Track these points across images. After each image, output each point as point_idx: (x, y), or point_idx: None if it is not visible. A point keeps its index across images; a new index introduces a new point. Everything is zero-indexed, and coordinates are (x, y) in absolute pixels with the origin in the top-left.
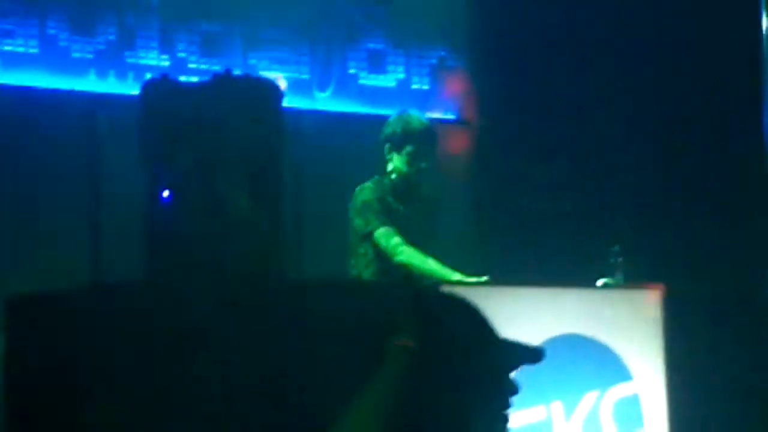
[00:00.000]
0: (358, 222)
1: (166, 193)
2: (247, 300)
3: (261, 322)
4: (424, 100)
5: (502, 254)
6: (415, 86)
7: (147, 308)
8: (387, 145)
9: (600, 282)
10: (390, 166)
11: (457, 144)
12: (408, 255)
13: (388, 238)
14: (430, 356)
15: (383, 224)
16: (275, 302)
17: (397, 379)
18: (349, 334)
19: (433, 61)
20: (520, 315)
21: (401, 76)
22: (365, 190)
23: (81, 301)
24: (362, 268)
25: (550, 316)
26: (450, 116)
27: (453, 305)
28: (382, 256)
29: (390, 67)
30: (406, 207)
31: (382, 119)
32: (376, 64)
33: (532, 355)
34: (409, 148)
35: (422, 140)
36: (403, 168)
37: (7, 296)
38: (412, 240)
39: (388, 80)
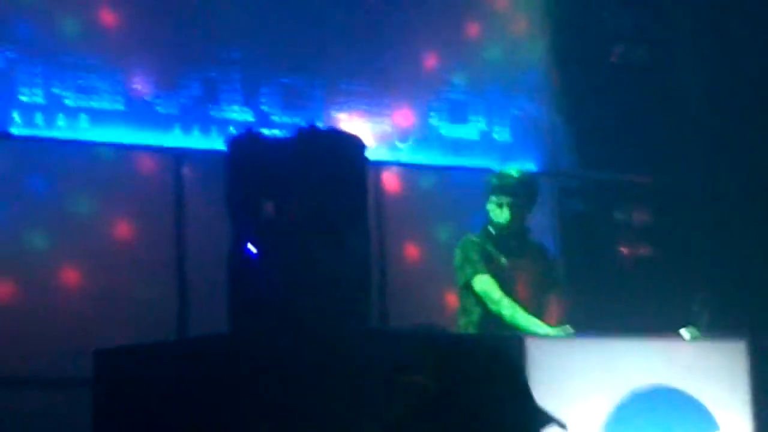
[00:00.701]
0: (459, 271)
1: (251, 247)
2: (330, 350)
3: (342, 370)
4: (505, 150)
5: (586, 303)
6: (496, 137)
7: (232, 360)
8: (488, 198)
9: (684, 331)
10: (489, 218)
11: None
12: (500, 304)
13: (484, 286)
14: (444, 398)
15: (480, 272)
16: (356, 351)
17: (405, 415)
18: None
19: (515, 111)
20: (606, 366)
21: (483, 126)
22: (466, 241)
23: (166, 354)
24: (466, 316)
25: (637, 367)
26: (531, 167)
27: (481, 354)
28: (483, 304)
29: (472, 118)
30: (509, 258)
31: (464, 170)
32: (458, 115)
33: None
34: (503, 200)
35: (515, 192)
36: (498, 219)
37: (95, 350)
38: (514, 290)
39: (469, 131)
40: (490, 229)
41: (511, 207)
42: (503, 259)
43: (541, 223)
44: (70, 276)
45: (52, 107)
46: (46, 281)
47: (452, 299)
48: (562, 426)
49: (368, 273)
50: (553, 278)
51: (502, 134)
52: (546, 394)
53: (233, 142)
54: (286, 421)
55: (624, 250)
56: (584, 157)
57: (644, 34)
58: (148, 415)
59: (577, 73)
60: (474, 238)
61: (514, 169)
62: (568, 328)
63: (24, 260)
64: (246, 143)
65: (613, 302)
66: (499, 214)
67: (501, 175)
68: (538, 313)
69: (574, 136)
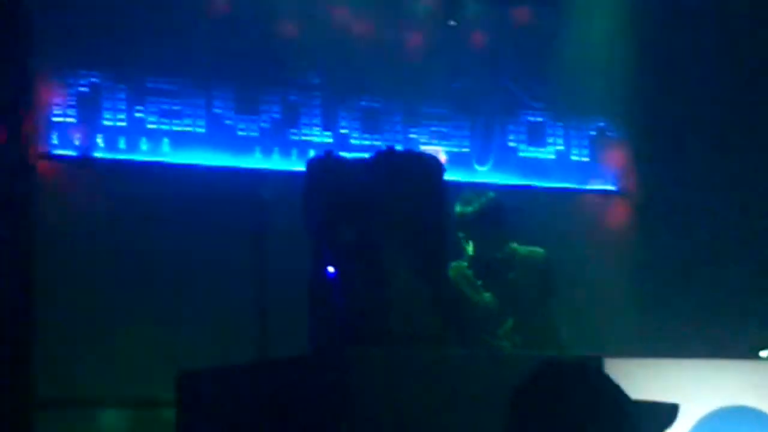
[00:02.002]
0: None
1: (330, 268)
2: (411, 372)
3: (422, 391)
4: (583, 171)
5: (663, 324)
6: (574, 158)
7: (312, 383)
8: None
9: (764, 353)
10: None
11: (617, 215)
12: None
13: None
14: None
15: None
16: (434, 371)
17: None
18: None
19: (593, 132)
20: (683, 387)
21: (561, 148)
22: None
23: (248, 376)
24: None
25: (714, 388)
26: (610, 187)
27: (580, 377)
28: None
29: (549, 140)
30: (492, 285)
31: (543, 191)
32: (536, 137)
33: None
34: (463, 234)
35: (472, 226)
36: (468, 252)
37: (179, 372)
38: (506, 313)
39: (547, 152)
40: (466, 260)
41: (475, 238)
42: (485, 293)
43: (617, 243)
44: (152, 298)
45: (135, 131)
46: (128, 304)
47: None
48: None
49: (448, 294)
50: (548, 287)
51: (580, 156)
52: None
53: (312, 165)
54: None
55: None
56: (658, 179)
57: (720, 56)
58: None
59: (653, 94)
60: (457, 270)
61: (470, 198)
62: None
63: (107, 283)
64: (325, 165)
65: (690, 324)
66: (467, 247)
67: (459, 206)
68: (542, 325)
69: (651, 157)
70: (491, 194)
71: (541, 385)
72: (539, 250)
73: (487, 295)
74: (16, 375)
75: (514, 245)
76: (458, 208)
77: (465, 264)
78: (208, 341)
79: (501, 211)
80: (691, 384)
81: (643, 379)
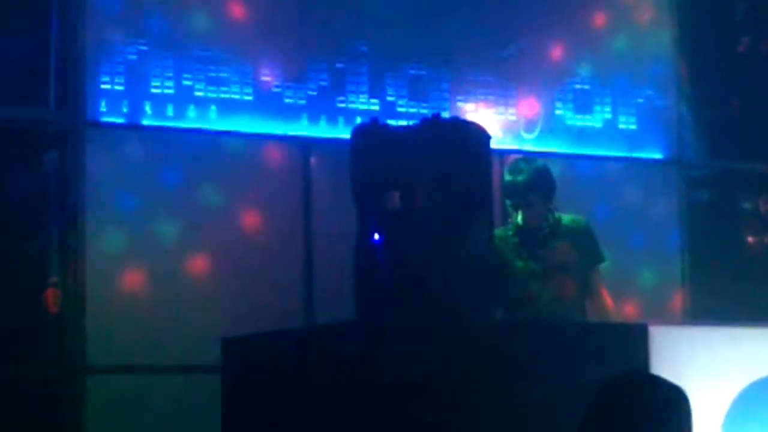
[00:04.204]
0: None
1: (376, 236)
2: (456, 340)
3: (470, 361)
4: (631, 139)
5: (712, 293)
6: (622, 126)
7: (358, 350)
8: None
9: None
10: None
11: (664, 184)
12: None
13: None
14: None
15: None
16: (480, 340)
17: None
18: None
19: (641, 100)
20: (731, 355)
21: (608, 116)
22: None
23: (293, 342)
24: None
25: (763, 356)
26: (658, 156)
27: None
28: None
29: (597, 108)
30: (540, 251)
31: (590, 159)
32: (583, 105)
33: None
34: (514, 202)
35: (523, 193)
36: (516, 220)
37: (224, 337)
38: (551, 282)
39: (595, 120)
40: (512, 227)
41: (525, 207)
42: (531, 261)
43: (664, 213)
44: (199, 265)
45: (183, 98)
46: (176, 270)
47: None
48: None
49: (492, 263)
50: (594, 254)
51: (627, 123)
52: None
53: (358, 132)
54: (415, 410)
55: (751, 239)
56: (711, 147)
57: None
58: (275, 401)
59: (704, 62)
60: (501, 237)
61: (521, 166)
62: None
63: (154, 249)
64: (371, 133)
65: (740, 292)
66: (515, 214)
67: (509, 174)
68: (583, 295)
69: (700, 126)
70: (541, 163)
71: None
72: (581, 218)
73: (531, 263)
74: (68, 341)
75: (560, 214)
76: (508, 176)
77: (510, 232)
78: (254, 308)
79: (551, 181)
80: (739, 352)
81: (691, 347)
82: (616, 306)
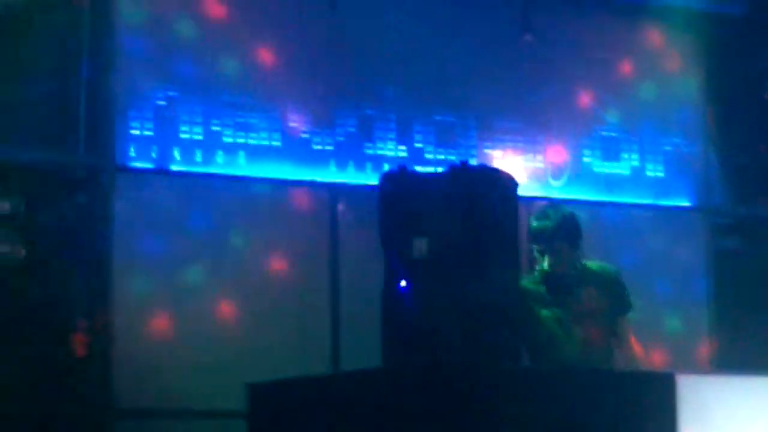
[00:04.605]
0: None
1: (403, 282)
2: (481, 386)
3: (493, 407)
4: (659, 187)
5: (741, 342)
6: (649, 173)
7: (384, 396)
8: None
9: None
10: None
11: (691, 231)
12: None
13: None
14: None
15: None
16: (506, 387)
17: None
18: None
19: (668, 147)
20: (759, 405)
21: (635, 163)
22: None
23: (320, 388)
24: None
25: None
26: (685, 203)
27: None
28: None
29: (624, 155)
30: (566, 299)
31: (617, 207)
32: (611, 152)
33: None
34: (541, 247)
35: (551, 238)
36: (542, 266)
37: (250, 383)
38: (579, 330)
39: (622, 167)
40: (538, 274)
41: (551, 253)
42: (557, 308)
43: (691, 260)
44: (226, 310)
45: (211, 144)
46: (203, 315)
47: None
48: None
49: (518, 310)
50: (623, 302)
51: (654, 171)
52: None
53: (386, 178)
54: None
55: None
56: (738, 194)
57: None
58: None
59: (731, 109)
60: (527, 284)
61: (548, 213)
62: None
63: (181, 293)
64: (399, 179)
65: (767, 341)
66: (541, 260)
67: (536, 220)
68: (610, 342)
69: (728, 172)
70: (568, 210)
71: None
72: (610, 265)
73: (557, 310)
74: (95, 385)
75: (587, 262)
76: (535, 223)
77: (537, 279)
78: (280, 352)
79: (578, 228)
80: (765, 401)
81: (717, 397)
82: (645, 354)
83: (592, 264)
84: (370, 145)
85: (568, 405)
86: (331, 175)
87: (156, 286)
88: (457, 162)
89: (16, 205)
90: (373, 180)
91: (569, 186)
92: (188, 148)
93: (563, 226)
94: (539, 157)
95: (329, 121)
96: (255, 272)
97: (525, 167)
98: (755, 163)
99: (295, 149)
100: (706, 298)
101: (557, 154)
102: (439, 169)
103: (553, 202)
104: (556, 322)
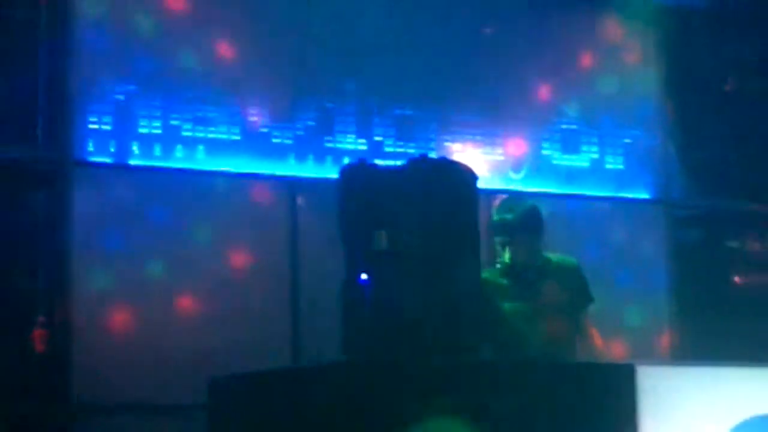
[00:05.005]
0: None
1: (364, 275)
2: (440, 379)
3: (452, 399)
4: (618, 179)
5: (699, 332)
6: (609, 166)
7: (345, 388)
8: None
9: None
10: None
11: (651, 223)
12: None
13: None
14: None
15: None
16: (467, 379)
17: None
18: None
19: (628, 140)
20: (718, 394)
21: (595, 156)
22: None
23: (280, 382)
24: None
25: (750, 396)
26: (645, 195)
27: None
28: None
29: (584, 147)
30: (527, 292)
31: (576, 199)
32: (570, 145)
33: None
34: (503, 240)
35: (513, 231)
36: (504, 259)
37: (210, 377)
38: (539, 323)
39: (582, 160)
40: (500, 266)
41: (514, 245)
42: (519, 302)
43: (651, 252)
44: (186, 304)
45: (170, 138)
46: (163, 309)
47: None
48: None
49: (479, 302)
50: (583, 294)
51: (614, 163)
52: (656, 422)
53: (345, 172)
54: None
55: (737, 278)
56: (698, 186)
57: (762, 63)
58: None
59: (691, 102)
60: (489, 276)
61: (511, 205)
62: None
63: (142, 288)
64: (358, 173)
65: (727, 331)
66: (503, 253)
67: (499, 213)
68: (572, 335)
69: (687, 165)
70: (531, 202)
71: None
72: (570, 258)
73: (519, 304)
74: (55, 381)
75: (548, 254)
76: (497, 215)
77: (498, 272)
78: (240, 346)
79: (540, 220)
80: (726, 391)
81: (678, 387)
82: (605, 346)
83: (553, 256)
84: (330, 138)
85: (529, 397)
86: (290, 168)
87: (116, 280)
88: (417, 155)
89: None
90: (333, 173)
91: (529, 178)
92: (147, 142)
93: (526, 218)
94: (499, 150)
95: (289, 115)
96: (215, 266)
97: (485, 160)
98: (714, 155)
99: (255, 143)
100: (666, 290)
101: (517, 146)
102: (399, 163)
103: (515, 195)
104: (518, 315)
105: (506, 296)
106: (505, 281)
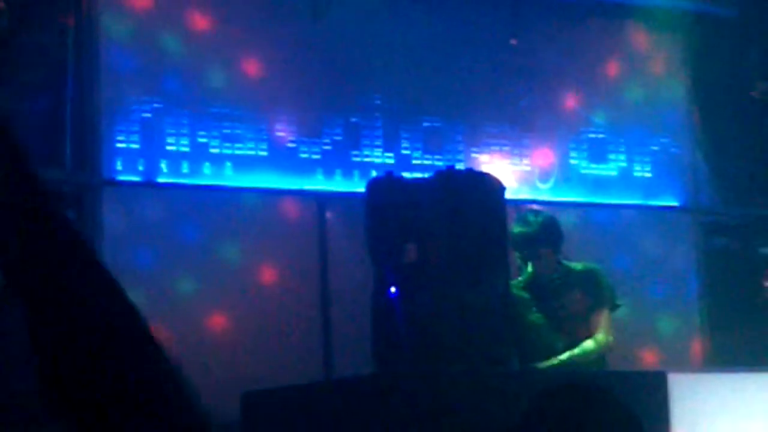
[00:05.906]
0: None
1: (393, 289)
2: (473, 390)
3: (485, 411)
4: (646, 187)
5: (731, 339)
6: (637, 174)
7: (377, 402)
8: None
9: None
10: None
11: (680, 231)
12: None
13: None
14: None
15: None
16: (497, 390)
17: None
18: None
19: (655, 148)
20: (750, 401)
21: (623, 164)
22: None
23: (312, 396)
24: None
25: None
26: (673, 203)
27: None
28: None
29: (612, 156)
30: (550, 302)
31: (605, 208)
32: (598, 154)
33: None
34: (522, 254)
35: (531, 245)
36: (525, 272)
37: (243, 392)
38: (564, 332)
39: (610, 169)
40: (522, 279)
41: (535, 258)
42: (543, 314)
43: (682, 260)
44: (217, 320)
45: (198, 155)
46: (194, 326)
47: None
48: None
49: (508, 314)
50: (604, 298)
51: (642, 171)
52: (688, 430)
53: (373, 186)
54: None
55: None
56: (726, 194)
57: None
58: None
59: (718, 109)
60: (512, 290)
61: (528, 219)
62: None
63: (172, 306)
64: (386, 186)
65: (759, 337)
66: (525, 267)
67: (517, 227)
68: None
69: (715, 172)
70: (547, 214)
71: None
72: (592, 265)
73: (544, 316)
74: None
75: (570, 263)
76: (516, 229)
77: (521, 285)
78: (272, 361)
79: (559, 231)
80: (758, 398)
81: (709, 394)
82: (607, 341)
83: (576, 265)
84: (357, 152)
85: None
86: (318, 183)
87: (146, 298)
88: (444, 167)
89: None
90: (360, 187)
91: (557, 188)
92: (175, 160)
93: (544, 230)
94: (526, 161)
95: (316, 130)
96: (245, 282)
97: (512, 171)
98: (742, 162)
99: (282, 158)
100: (697, 297)
101: (544, 156)
102: (427, 175)
103: (532, 208)
104: (543, 328)
105: (529, 309)
106: (527, 294)
